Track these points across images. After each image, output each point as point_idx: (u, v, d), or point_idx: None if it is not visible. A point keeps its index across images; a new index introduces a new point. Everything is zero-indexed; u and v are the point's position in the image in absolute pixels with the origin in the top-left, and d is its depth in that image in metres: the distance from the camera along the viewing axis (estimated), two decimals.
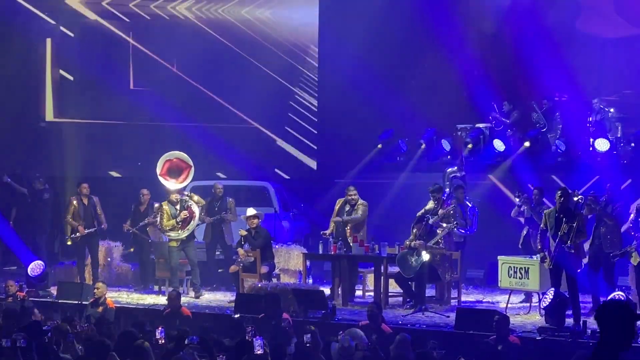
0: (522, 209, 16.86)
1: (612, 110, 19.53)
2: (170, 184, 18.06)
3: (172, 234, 17.76)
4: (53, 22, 23.93)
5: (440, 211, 16.48)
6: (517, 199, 16.91)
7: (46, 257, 19.59)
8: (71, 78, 23.95)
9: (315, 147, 23.84)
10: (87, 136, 23.69)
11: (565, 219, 13.95)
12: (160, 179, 18.14)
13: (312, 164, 23.89)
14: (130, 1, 24.02)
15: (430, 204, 16.83)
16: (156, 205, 18.44)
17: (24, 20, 23.59)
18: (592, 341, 13.09)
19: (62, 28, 23.92)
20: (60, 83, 23.94)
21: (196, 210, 17.83)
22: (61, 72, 23.94)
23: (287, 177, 23.77)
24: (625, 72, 20.34)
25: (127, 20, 24.03)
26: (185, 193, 18.01)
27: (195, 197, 18.04)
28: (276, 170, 23.97)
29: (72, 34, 23.95)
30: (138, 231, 18.71)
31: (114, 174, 23.96)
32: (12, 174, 21.11)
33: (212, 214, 18.69)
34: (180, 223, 17.70)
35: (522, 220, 17.13)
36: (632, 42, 20.87)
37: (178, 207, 17.77)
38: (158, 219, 17.96)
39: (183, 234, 17.73)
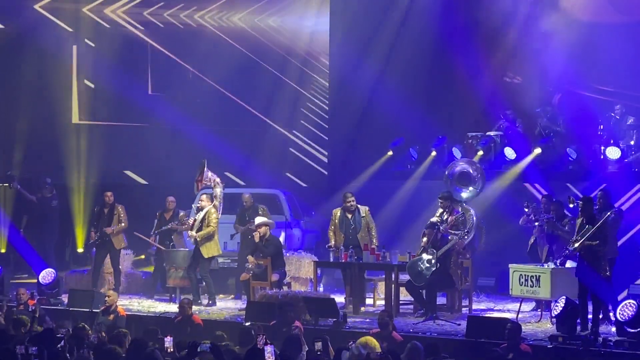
0: (530, 216, 16.86)
1: (632, 119, 19.36)
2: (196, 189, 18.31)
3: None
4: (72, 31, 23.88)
5: (450, 219, 16.49)
6: (526, 209, 16.90)
7: (57, 265, 19.60)
8: (92, 85, 23.97)
9: (326, 155, 23.84)
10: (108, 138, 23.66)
11: (589, 226, 14.01)
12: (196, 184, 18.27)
13: (323, 171, 23.88)
14: (145, 10, 24.12)
15: (439, 212, 16.83)
16: (181, 213, 18.53)
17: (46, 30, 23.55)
18: (604, 349, 13.10)
19: (86, 40, 23.89)
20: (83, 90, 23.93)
21: (190, 221, 17.91)
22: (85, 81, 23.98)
23: (303, 184, 23.84)
24: (604, 62, 19.92)
25: (142, 28, 24.13)
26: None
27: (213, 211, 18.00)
28: (289, 175, 24.02)
29: (93, 44, 23.95)
30: (159, 236, 18.64)
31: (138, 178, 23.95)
32: (22, 180, 21.05)
33: (244, 225, 18.58)
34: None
35: (535, 232, 16.97)
36: (617, 30, 20.22)
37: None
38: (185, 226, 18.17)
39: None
